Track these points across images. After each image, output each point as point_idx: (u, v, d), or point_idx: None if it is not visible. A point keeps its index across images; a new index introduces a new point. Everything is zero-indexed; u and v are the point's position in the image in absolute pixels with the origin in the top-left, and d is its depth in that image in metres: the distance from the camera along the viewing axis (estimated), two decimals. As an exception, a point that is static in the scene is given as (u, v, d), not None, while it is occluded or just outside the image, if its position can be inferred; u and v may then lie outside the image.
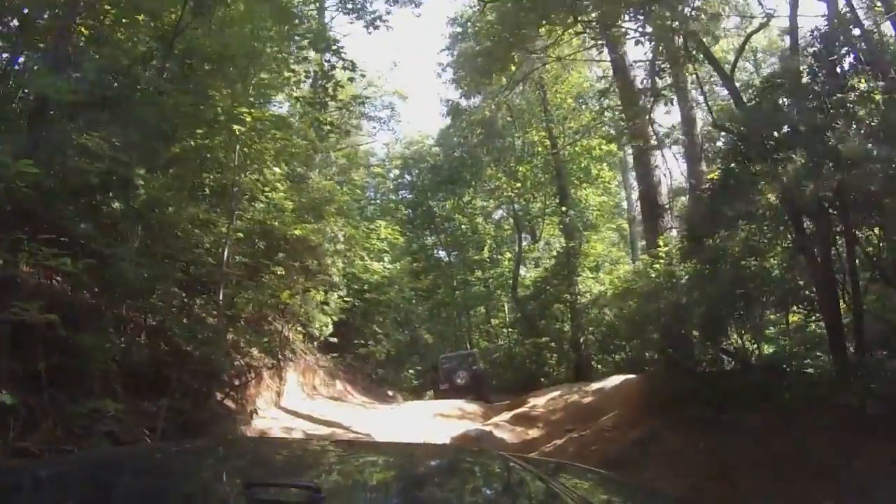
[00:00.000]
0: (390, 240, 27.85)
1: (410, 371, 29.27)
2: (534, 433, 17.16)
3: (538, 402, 19.61)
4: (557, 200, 33.09)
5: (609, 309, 28.19)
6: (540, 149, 34.00)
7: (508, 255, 44.33)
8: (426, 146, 47.85)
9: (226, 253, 14.43)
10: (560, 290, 31.14)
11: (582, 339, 29.24)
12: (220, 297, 14.02)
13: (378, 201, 47.07)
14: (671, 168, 22.34)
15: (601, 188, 33.75)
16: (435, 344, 37.28)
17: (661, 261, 16.62)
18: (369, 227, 28.09)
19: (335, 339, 23.10)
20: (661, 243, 17.53)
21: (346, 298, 24.67)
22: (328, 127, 13.97)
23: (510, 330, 42.99)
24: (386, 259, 26.84)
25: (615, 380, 19.54)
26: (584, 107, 32.72)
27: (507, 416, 18.82)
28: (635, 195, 42.85)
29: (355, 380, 24.91)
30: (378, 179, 44.42)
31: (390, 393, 26.90)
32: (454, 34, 32.60)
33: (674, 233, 18.94)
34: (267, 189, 16.96)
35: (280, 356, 18.75)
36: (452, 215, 44.41)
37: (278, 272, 17.06)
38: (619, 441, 14.19)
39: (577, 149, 32.40)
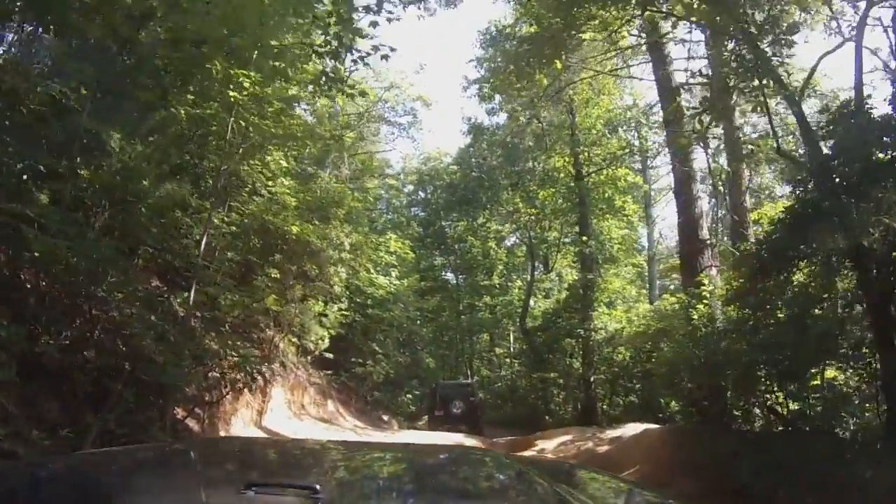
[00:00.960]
0: (400, 254, 25.70)
1: (408, 395, 27.02)
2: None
3: (547, 447, 17.50)
4: (577, 230, 30.90)
5: (625, 348, 26.18)
6: (562, 175, 31.91)
7: (519, 283, 42.30)
8: (443, 164, 45.95)
9: (203, 243, 12.29)
10: (573, 324, 28.94)
11: (592, 378, 27.02)
12: (192, 294, 11.82)
13: (391, 215, 44.86)
14: (705, 202, 20.25)
15: (624, 221, 31.54)
16: (436, 369, 35.23)
17: (705, 301, 14.49)
18: (378, 239, 25.99)
19: (330, 355, 21.03)
20: (705, 282, 15.34)
21: (346, 312, 22.64)
22: (342, 86, 11.70)
23: (514, 361, 40.76)
24: (393, 274, 24.71)
25: (633, 428, 17.43)
26: (613, 134, 30.66)
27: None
28: (657, 231, 41.31)
29: (349, 401, 22.74)
30: (392, 192, 42.12)
31: (385, 418, 24.69)
32: (486, 38, 30.48)
33: (713, 272, 16.73)
34: (267, 178, 14.82)
35: (266, 369, 16.61)
36: (464, 237, 42.32)
37: (272, 274, 14.91)
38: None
39: (601, 177, 30.38)
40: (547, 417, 28.41)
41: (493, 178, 37.64)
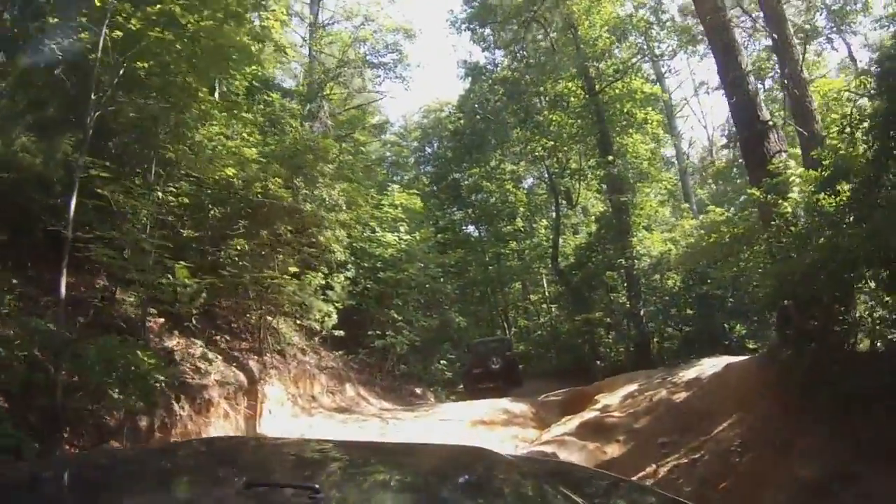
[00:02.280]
0: (407, 206, 22.11)
1: (441, 362, 23.54)
2: (614, 451, 11.78)
3: (610, 402, 14.04)
4: (598, 152, 27.09)
5: (675, 273, 22.62)
6: (573, 99, 28.12)
7: (544, 223, 38.89)
8: (445, 113, 42.50)
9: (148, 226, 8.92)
10: (611, 255, 25.35)
11: (642, 312, 23.47)
12: (62, 283, 8.30)
13: (399, 175, 41.36)
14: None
15: (649, 135, 27.67)
16: (469, 328, 31.82)
17: (801, 187, 11.01)
18: (379, 193, 22.48)
19: (341, 333, 17.66)
20: (788, 165, 11.84)
21: (355, 279, 19.26)
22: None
23: (551, 306, 37.78)
24: (402, 229, 21.14)
25: (710, 365, 14.01)
26: (622, 41, 26.88)
27: (570, 424, 13.23)
28: (686, 142, 37.44)
29: (372, 380, 19.36)
30: (395, 150, 38.23)
31: (418, 391, 21.32)
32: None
33: (784, 157, 13.13)
34: (202, 117, 11.38)
35: (255, 364, 13.30)
36: (479, 184, 39.00)
37: (239, 246, 11.48)
38: (770, 477, 8.69)
39: (616, 91, 26.62)
40: (598, 363, 24.97)
41: (500, 119, 34.17)
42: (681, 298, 22.83)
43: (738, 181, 32.24)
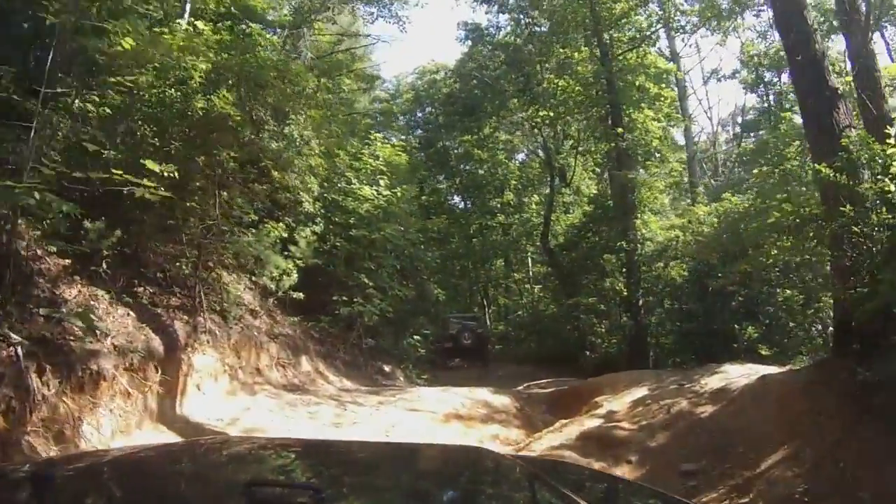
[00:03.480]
0: (389, 159, 19.20)
1: (415, 337, 20.76)
2: (624, 475, 9.04)
3: (616, 407, 11.42)
4: (604, 126, 24.24)
5: (679, 264, 20.05)
6: (582, 67, 25.18)
7: (536, 198, 36.21)
8: (441, 77, 39.73)
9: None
10: (610, 237, 22.69)
11: (641, 302, 20.86)
12: None
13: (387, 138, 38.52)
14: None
15: (662, 112, 24.86)
16: (447, 301, 29.25)
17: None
18: (360, 141, 19.61)
19: (301, 295, 14.93)
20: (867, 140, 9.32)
21: (323, 235, 16.57)
22: None
23: (535, 287, 35.86)
24: (382, 183, 18.26)
25: (740, 374, 11.61)
26: (643, 6, 24.14)
27: (567, 432, 10.59)
28: (696, 128, 34.74)
29: (334, 353, 16.56)
30: (384, 105, 35.09)
31: (387, 368, 18.54)
32: None
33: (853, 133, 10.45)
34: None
35: (181, 326, 10.54)
36: (470, 153, 36.41)
37: (167, 172, 8.67)
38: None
39: (630, 61, 23.85)
40: (587, 353, 22.36)
41: (498, 86, 31.85)
42: (685, 292, 20.23)
43: (741, 172, 30.01)
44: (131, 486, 2.36)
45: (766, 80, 29.52)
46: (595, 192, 30.64)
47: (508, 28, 31.03)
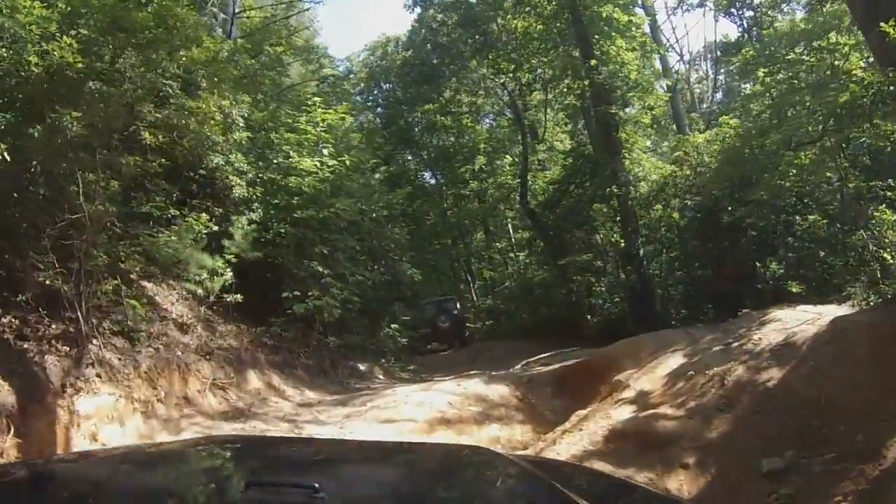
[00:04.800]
0: (332, 123, 16.19)
1: (393, 326, 17.92)
2: (682, 489, 6.30)
3: (648, 385, 8.60)
4: (572, 66, 21.30)
5: (686, 200, 17.32)
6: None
7: (508, 159, 33.52)
8: (393, 49, 37.37)
9: None
10: (597, 185, 19.85)
11: (642, 252, 18.06)
12: None
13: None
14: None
15: (636, 40, 21.97)
16: (426, 282, 26.58)
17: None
18: (296, 109, 16.58)
19: (239, 298, 12.27)
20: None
21: (264, 223, 13.74)
22: None
23: (518, 254, 32.90)
24: (326, 152, 15.24)
25: (798, 320, 8.84)
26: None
27: (590, 430, 7.71)
28: (674, 60, 31.91)
29: (293, 360, 13.60)
30: (334, 80, 32.06)
31: (362, 367, 15.62)
32: None
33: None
34: None
35: (55, 362, 7.69)
36: (433, 121, 33.72)
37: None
38: None
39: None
40: (589, 317, 19.57)
41: (454, 47, 29.54)
42: (691, 233, 17.46)
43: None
44: (131, 485, 2.31)
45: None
46: (570, 145, 28.19)
47: None
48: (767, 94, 15.97)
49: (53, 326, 8.55)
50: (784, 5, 25.69)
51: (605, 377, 9.94)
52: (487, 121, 36.97)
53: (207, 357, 11.12)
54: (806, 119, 13.86)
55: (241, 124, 13.25)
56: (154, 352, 9.89)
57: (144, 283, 11.73)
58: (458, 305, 28.48)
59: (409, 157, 38.25)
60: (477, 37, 27.05)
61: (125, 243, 10.64)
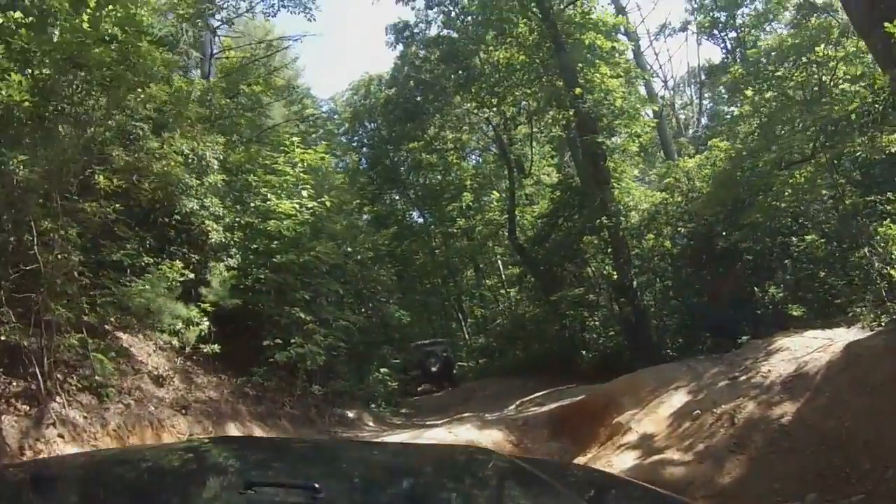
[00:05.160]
0: (312, 163, 15.59)
1: (383, 370, 17.27)
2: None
3: (651, 428, 8.03)
4: (556, 97, 20.85)
5: (679, 228, 16.84)
6: (520, 30, 21.67)
7: (496, 194, 33.04)
8: (376, 88, 36.44)
9: None
10: (586, 217, 19.31)
11: (636, 284, 17.48)
12: None
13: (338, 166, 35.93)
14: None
15: (620, 68, 21.55)
16: (416, 323, 26.20)
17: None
18: (276, 150, 16.00)
19: (215, 348, 11.77)
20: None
21: (243, 268, 13.19)
22: None
23: (509, 290, 31.87)
24: (305, 194, 14.65)
25: (807, 347, 8.39)
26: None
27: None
28: (658, 86, 31.51)
29: (276, 411, 12.87)
30: (319, 120, 31.49)
31: (350, 414, 14.89)
32: None
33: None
34: None
35: (30, 417, 7.17)
36: (419, 159, 33.29)
37: None
38: None
39: (577, 18, 20.59)
40: (583, 352, 18.93)
41: (438, 84, 28.62)
42: (685, 261, 16.93)
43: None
44: (132, 485, 2.31)
45: (722, 21, 26.52)
46: (557, 178, 27.48)
47: (440, 20, 27.83)
48: (756, 114, 15.54)
49: (14, 384, 7.98)
50: (767, 25, 25.48)
51: (604, 418, 9.36)
52: (473, 157, 36.32)
53: (184, 411, 10.51)
54: (798, 136, 13.44)
55: (216, 167, 12.71)
56: (124, 408, 9.30)
57: (120, 334, 11.20)
58: (447, 348, 28.21)
59: (396, 197, 37.47)
60: (460, 72, 26.44)
61: (96, 293, 10.11)
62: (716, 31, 27.01)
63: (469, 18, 25.00)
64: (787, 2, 24.13)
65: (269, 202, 13.97)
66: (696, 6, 26.94)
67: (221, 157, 13.04)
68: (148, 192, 10.48)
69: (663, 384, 9.25)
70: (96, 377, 9.07)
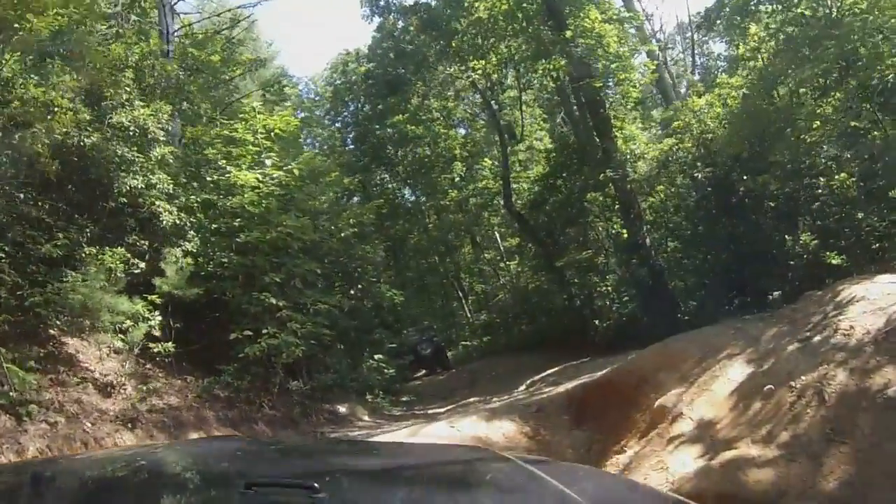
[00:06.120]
0: (278, 130, 13.73)
1: (375, 357, 15.47)
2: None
3: (709, 413, 6.21)
4: (543, 44, 19.00)
5: (698, 171, 15.06)
6: None
7: (487, 162, 31.09)
8: (355, 64, 34.60)
9: None
10: (587, 173, 17.47)
11: (649, 241, 15.69)
12: None
13: (311, 142, 34.40)
14: None
15: (611, 11, 19.67)
16: (418, 304, 24.67)
17: None
18: (231, 114, 14.21)
19: (169, 346, 10.10)
20: None
21: (203, 253, 11.41)
22: None
23: (509, 263, 30.44)
24: (269, 162, 12.76)
25: (890, 290, 6.38)
26: None
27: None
28: (656, 23, 29.56)
29: (252, 414, 10.92)
30: (305, 113, 30.00)
31: (342, 410, 13.04)
32: None
33: None
34: None
35: None
36: (404, 131, 30.95)
37: None
38: None
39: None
40: (596, 322, 17.17)
41: (420, 53, 27.21)
42: (703, 213, 15.13)
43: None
44: (132, 485, 2.30)
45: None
46: (550, 144, 25.85)
47: None
48: (773, 39, 13.74)
49: None
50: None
51: (639, 399, 7.58)
52: (462, 129, 34.54)
53: (131, 425, 8.70)
54: (821, 59, 11.73)
55: (162, 137, 10.87)
56: (49, 427, 7.52)
57: (67, 339, 9.52)
58: (436, 333, 28.60)
59: (386, 177, 35.18)
60: (440, 41, 24.86)
61: (23, 292, 8.45)
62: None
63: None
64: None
65: (228, 175, 12.13)
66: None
67: (169, 129, 11.23)
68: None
69: (710, 353, 7.42)
70: (11, 393, 7.32)
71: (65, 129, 9.15)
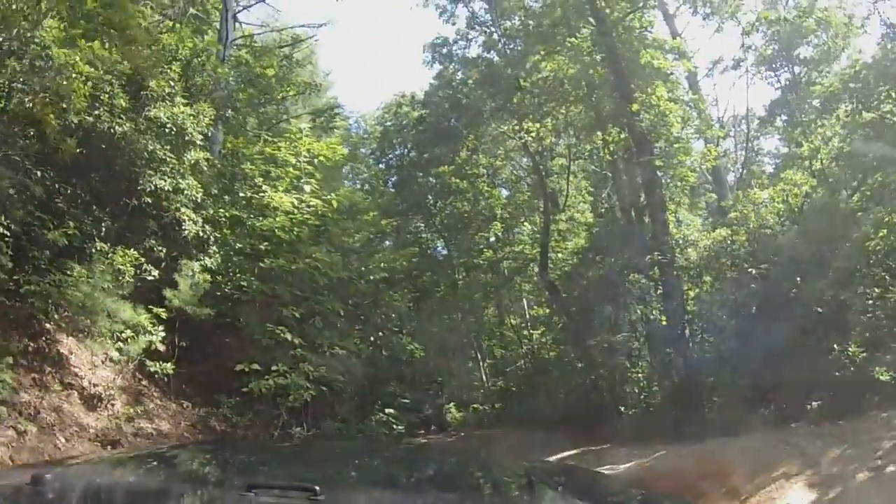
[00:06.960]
0: (323, 157, 13.20)
1: (386, 410, 14.60)
2: None
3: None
4: (602, 120, 18.51)
5: (751, 266, 14.22)
6: (571, 41, 19.29)
7: (527, 227, 30.70)
8: (408, 108, 33.86)
9: None
10: (636, 251, 16.70)
11: (688, 333, 14.85)
12: None
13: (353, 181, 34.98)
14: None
15: (676, 93, 19.14)
16: (433, 357, 23.65)
17: None
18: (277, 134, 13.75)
19: (168, 367, 9.37)
20: None
21: (223, 271, 10.79)
22: None
23: (532, 332, 29.16)
24: (308, 188, 12.19)
25: None
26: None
27: None
28: (715, 112, 28.88)
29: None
30: (351, 148, 29.92)
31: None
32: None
33: None
34: None
35: None
36: (448, 183, 30.38)
37: None
38: None
39: (633, 25, 18.60)
40: (622, 409, 16.25)
41: (475, 107, 26.44)
42: (749, 311, 14.28)
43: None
44: (133, 486, 2.35)
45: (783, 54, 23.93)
46: (591, 218, 25.96)
47: (481, 41, 26.52)
48: (847, 139, 13.11)
49: None
50: (835, 62, 22.85)
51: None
52: (504, 189, 34.06)
53: (111, 447, 7.94)
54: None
55: (200, 142, 10.32)
56: (15, 436, 6.78)
57: (62, 336, 8.84)
58: (444, 395, 28.24)
59: (422, 226, 34.40)
60: (497, 96, 24.48)
61: (20, 277, 7.82)
62: (772, 71, 24.34)
63: (512, 45, 24.23)
64: (856, 31, 21.51)
65: (263, 194, 11.53)
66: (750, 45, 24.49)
67: (209, 134, 10.71)
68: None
69: (761, 468, 6.57)
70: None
71: (84, 102, 8.57)
